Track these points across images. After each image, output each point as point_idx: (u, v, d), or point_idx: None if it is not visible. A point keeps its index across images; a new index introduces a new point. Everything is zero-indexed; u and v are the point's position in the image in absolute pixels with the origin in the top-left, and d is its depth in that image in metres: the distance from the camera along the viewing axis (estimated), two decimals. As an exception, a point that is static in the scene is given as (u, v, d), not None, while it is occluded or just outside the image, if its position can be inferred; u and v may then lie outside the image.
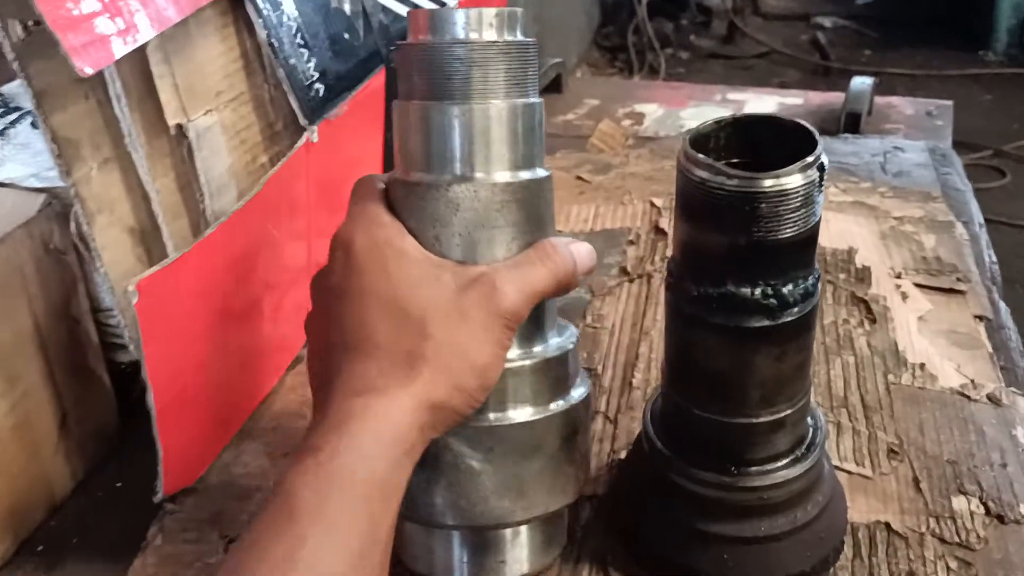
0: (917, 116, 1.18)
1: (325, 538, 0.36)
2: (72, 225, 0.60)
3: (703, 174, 0.41)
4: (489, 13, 0.41)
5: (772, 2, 3.61)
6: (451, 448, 0.43)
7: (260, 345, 0.63)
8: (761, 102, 1.27)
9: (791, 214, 0.40)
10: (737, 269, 0.42)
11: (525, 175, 0.43)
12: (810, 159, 0.40)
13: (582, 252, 0.44)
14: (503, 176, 0.43)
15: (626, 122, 1.19)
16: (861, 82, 1.14)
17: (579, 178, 0.96)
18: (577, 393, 0.47)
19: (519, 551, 0.48)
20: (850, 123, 1.06)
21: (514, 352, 0.44)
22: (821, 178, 0.41)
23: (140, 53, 0.53)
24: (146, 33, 0.50)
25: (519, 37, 0.43)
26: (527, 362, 0.44)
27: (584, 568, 0.51)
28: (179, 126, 0.56)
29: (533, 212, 0.44)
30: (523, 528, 0.47)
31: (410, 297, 0.40)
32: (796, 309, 0.43)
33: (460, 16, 0.42)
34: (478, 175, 0.42)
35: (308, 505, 0.36)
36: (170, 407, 0.53)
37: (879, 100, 1.20)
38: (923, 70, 3.00)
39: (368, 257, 0.41)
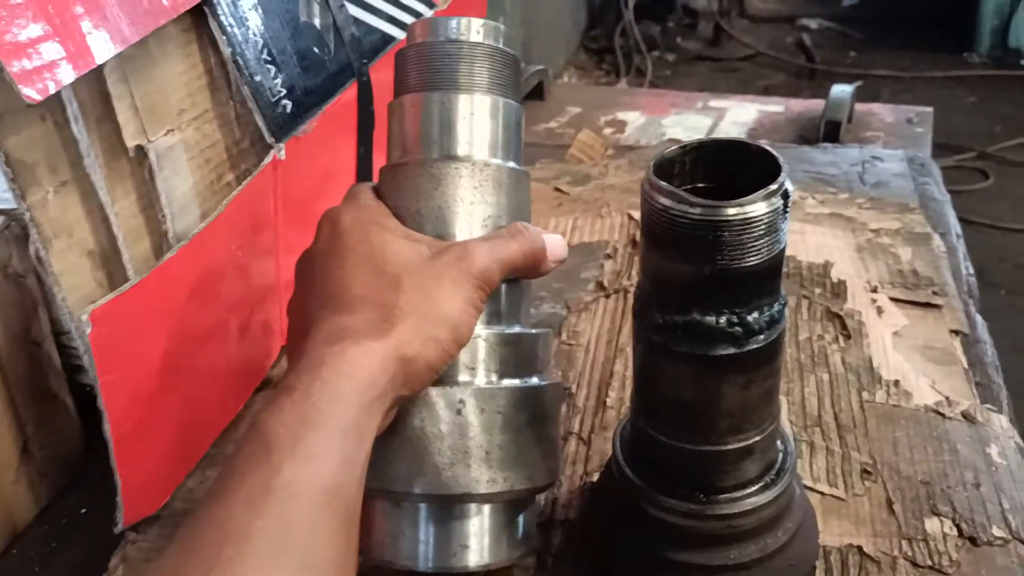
0: (897, 123, 1.18)
1: (300, 468, 0.37)
2: (31, 248, 0.59)
3: (667, 202, 0.40)
4: (477, 22, 0.48)
5: (758, 4, 3.61)
6: (417, 411, 0.44)
7: (225, 368, 0.62)
8: (743, 109, 1.26)
9: (755, 242, 0.39)
10: (702, 297, 0.41)
11: (504, 161, 0.48)
12: (774, 187, 0.39)
13: (554, 239, 0.47)
14: (482, 157, 0.47)
15: (608, 130, 1.18)
16: (841, 90, 1.14)
17: (558, 190, 0.95)
18: (546, 380, 0.48)
19: (483, 538, 0.47)
20: (829, 132, 1.05)
21: (489, 328, 0.46)
22: (786, 205, 0.40)
23: (97, 73, 0.51)
24: (101, 55, 0.48)
25: (503, 45, 0.49)
26: (500, 331, 0.46)
27: (555, 596, 0.50)
28: (139, 147, 0.55)
29: (510, 197, 0.47)
30: (487, 512, 0.46)
31: (387, 257, 0.43)
32: (762, 336, 0.42)
33: (453, 21, 0.48)
34: (460, 154, 0.47)
35: (282, 439, 0.37)
36: (129, 436, 0.52)
37: (860, 107, 1.20)
38: (908, 72, 3.01)
39: (352, 227, 0.44)
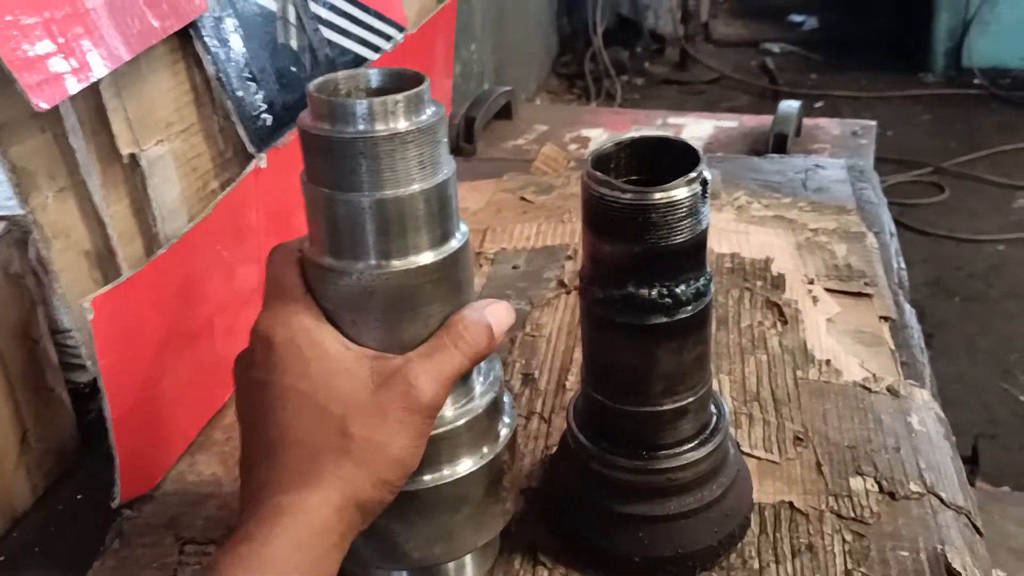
0: (843, 136, 1.25)
1: None
2: (31, 250, 0.64)
3: (602, 190, 0.46)
4: (392, 101, 0.40)
5: (722, 29, 3.73)
6: (382, 513, 0.44)
7: (213, 362, 0.67)
8: (699, 125, 1.33)
9: (679, 223, 0.45)
10: (636, 273, 0.47)
11: (442, 252, 0.43)
12: (693, 174, 0.45)
13: (499, 315, 0.45)
14: (418, 259, 0.42)
15: (572, 146, 1.24)
16: (788, 105, 1.21)
17: (523, 199, 1.01)
18: (503, 434, 0.48)
19: (462, 570, 0.52)
20: (777, 144, 1.13)
21: (447, 412, 0.45)
22: (704, 190, 0.46)
23: (94, 88, 0.57)
24: (99, 71, 0.54)
25: (427, 115, 0.41)
26: (461, 421, 0.46)
27: (516, 558, 0.55)
28: (132, 155, 0.60)
29: (451, 284, 0.44)
30: (465, 559, 0.51)
31: (329, 394, 0.41)
32: (690, 307, 0.48)
33: (361, 108, 0.40)
34: (393, 262, 0.42)
35: None
36: (126, 417, 0.56)
37: (808, 122, 1.27)
38: (867, 92, 3.13)
39: (286, 353, 0.42)
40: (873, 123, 1.31)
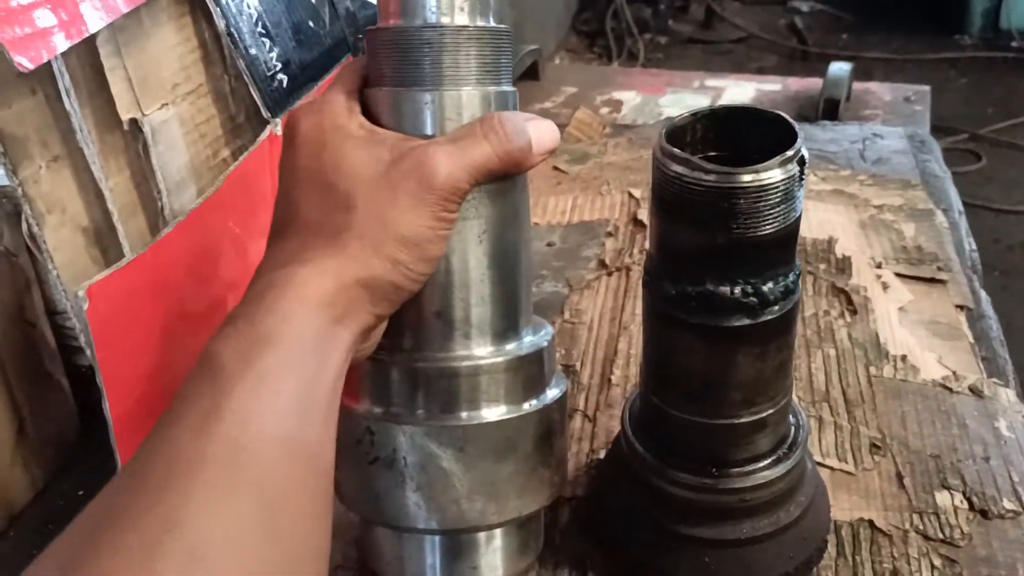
0: (895, 102, 1.17)
1: (252, 390, 0.33)
2: (23, 226, 0.58)
3: (679, 169, 0.39)
4: None
5: (749, -14, 3.59)
6: (421, 447, 0.42)
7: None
8: (740, 88, 1.25)
9: (771, 210, 0.39)
10: (716, 267, 0.40)
11: None
12: (790, 153, 0.39)
13: (541, 129, 0.41)
14: None
15: (604, 110, 1.17)
16: (839, 68, 1.13)
17: (556, 168, 0.94)
18: (552, 394, 0.45)
19: (492, 556, 0.46)
20: (828, 110, 1.05)
21: (486, 349, 0.43)
22: (802, 172, 0.39)
23: (90, 45, 0.50)
24: (94, 24, 0.47)
25: (492, 23, 0.42)
26: (499, 359, 0.43)
27: (564, 571, 0.49)
28: (133, 120, 0.54)
29: (508, 195, 0.43)
30: (497, 532, 0.46)
31: (339, 171, 0.38)
32: (777, 307, 0.41)
33: (431, 0, 0.40)
34: None
35: (231, 365, 0.34)
36: (128, 414, 0.51)
37: (857, 86, 1.19)
38: (900, 54, 3.01)
39: (307, 138, 0.40)
40: (927, 88, 1.23)
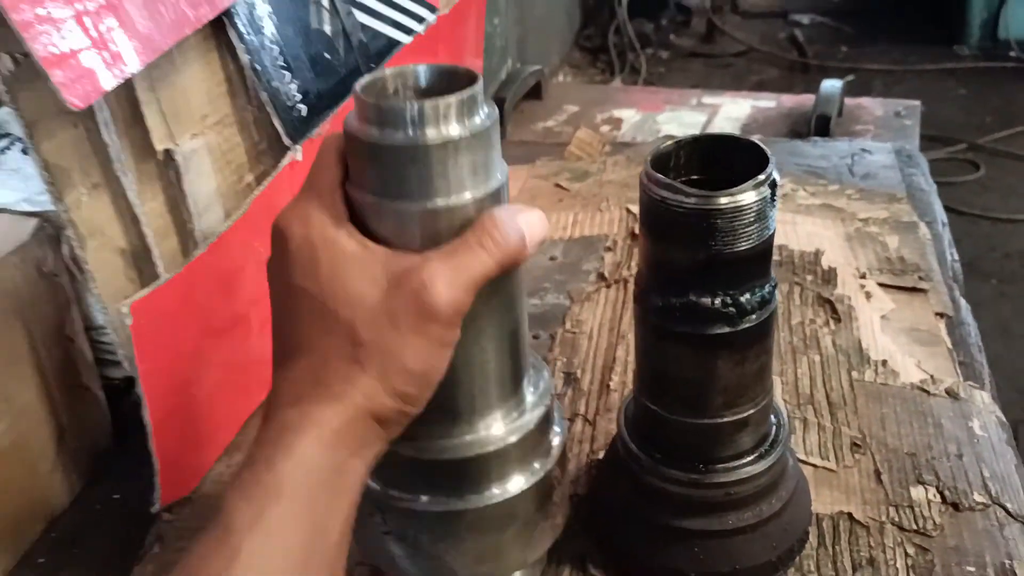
0: (886, 117, 1.21)
1: (262, 546, 0.34)
2: (64, 248, 0.62)
3: (664, 193, 0.44)
4: (446, 104, 0.37)
5: (750, 0, 3.64)
6: (431, 529, 0.44)
7: (248, 360, 0.66)
8: (736, 105, 1.29)
9: (746, 228, 0.43)
10: (698, 280, 0.44)
11: None
12: (762, 177, 0.43)
13: (532, 222, 0.40)
14: None
15: (605, 127, 1.21)
16: (831, 85, 1.17)
17: (558, 186, 0.98)
18: (554, 448, 0.46)
19: None
20: (820, 126, 1.09)
21: (491, 431, 0.43)
22: (773, 194, 0.43)
23: (127, 81, 0.55)
24: (133, 64, 0.52)
25: (481, 119, 0.39)
26: (508, 440, 0.44)
27: (565, 569, 0.53)
28: (166, 150, 0.58)
29: (504, 294, 0.42)
30: None
31: (339, 296, 0.38)
32: (754, 316, 0.45)
33: (411, 111, 0.37)
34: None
35: (244, 517, 0.35)
36: (165, 421, 0.55)
37: (849, 101, 1.23)
38: (899, 65, 3.04)
39: (299, 250, 0.39)
40: (917, 103, 1.27)
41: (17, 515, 0.60)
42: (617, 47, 3.10)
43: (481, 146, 0.39)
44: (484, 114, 0.39)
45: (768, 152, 0.44)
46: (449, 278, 0.38)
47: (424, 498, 0.44)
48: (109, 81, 0.49)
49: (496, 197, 0.41)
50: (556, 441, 0.47)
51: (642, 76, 2.99)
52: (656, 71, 3.11)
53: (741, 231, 0.43)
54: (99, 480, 0.67)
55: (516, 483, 0.45)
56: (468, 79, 0.40)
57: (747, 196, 0.43)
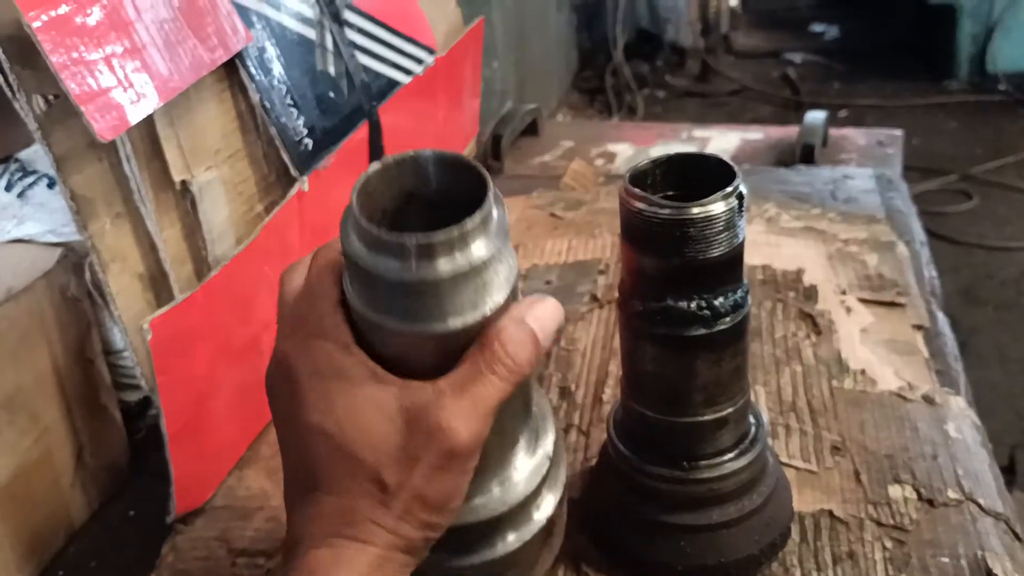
0: (869, 146, 1.26)
1: None
2: (87, 274, 0.66)
3: (640, 205, 0.48)
4: (448, 237, 0.35)
5: (743, 40, 3.74)
6: None
7: (259, 379, 0.69)
8: (725, 138, 1.34)
9: (716, 236, 0.47)
10: (674, 286, 0.48)
11: None
12: (729, 189, 0.47)
13: (544, 320, 0.39)
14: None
15: (599, 161, 1.26)
16: (814, 116, 1.22)
17: (553, 215, 1.03)
18: (556, 493, 0.45)
19: None
20: (805, 154, 1.13)
21: (503, 506, 0.42)
22: (740, 205, 0.47)
23: (147, 118, 0.59)
24: (153, 101, 0.57)
25: (490, 238, 0.36)
26: (516, 502, 0.43)
27: (560, 569, 0.56)
28: (183, 182, 0.63)
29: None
30: None
31: (359, 437, 0.37)
32: (728, 319, 0.49)
33: (408, 246, 0.35)
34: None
35: None
36: (181, 434, 0.59)
37: (834, 132, 1.28)
38: (891, 100, 3.11)
39: (310, 386, 0.38)
40: (899, 132, 1.32)
41: (40, 529, 0.63)
42: (614, 88, 3.18)
43: (492, 266, 0.36)
44: (495, 229, 0.36)
45: (735, 167, 0.48)
46: (467, 413, 0.37)
47: (437, 554, 0.42)
48: (135, 115, 0.54)
49: (494, 316, 0.38)
50: (558, 487, 0.45)
51: (639, 115, 3.06)
52: (653, 111, 3.19)
53: (712, 239, 0.47)
54: (116, 498, 0.70)
55: (519, 535, 0.44)
56: (478, 181, 0.37)
57: (716, 207, 0.47)
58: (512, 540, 0.44)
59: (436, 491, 0.38)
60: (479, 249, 0.36)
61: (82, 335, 0.67)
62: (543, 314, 0.39)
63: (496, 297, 0.37)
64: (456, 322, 0.37)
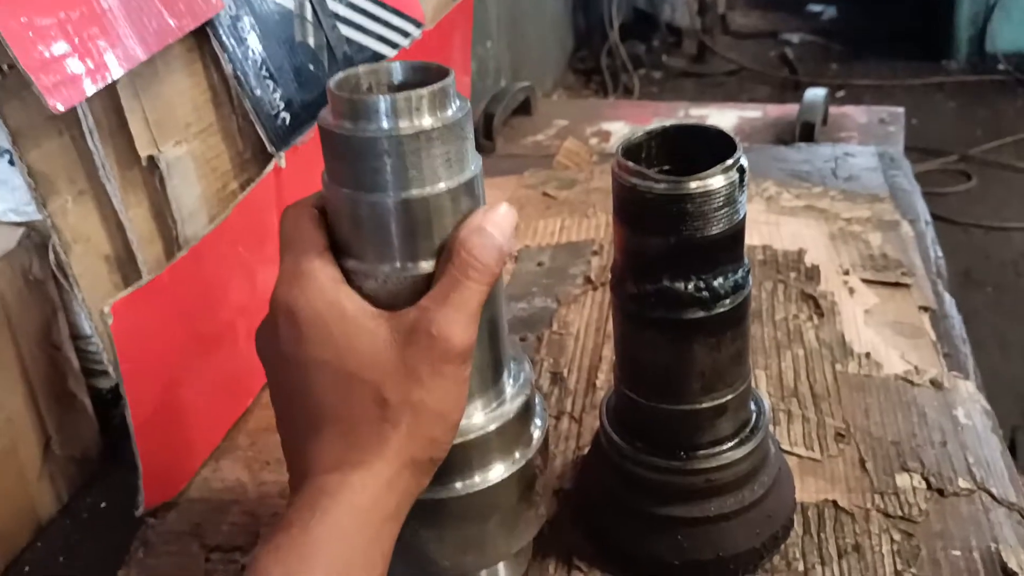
0: (870, 124, 1.22)
1: None
2: (51, 256, 0.63)
3: (634, 180, 0.44)
4: (417, 96, 0.38)
5: (740, 20, 3.69)
6: (409, 522, 0.43)
7: (235, 366, 0.66)
8: (722, 116, 1.30)
9: (716, 212, 0.44)
10: (671, 266, 0.45)
11: None
12: (730, 161, 0.43)
13: (501, 223, 0.41)
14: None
15: (593, 140, 1.22)
16: (814, 94, 1.19)
17: (546, 194, 0.99)
18: (535, 438, 0.47)
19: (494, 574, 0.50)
20: (804, 132, 1.10)
21: (477, 418, 0.44)
22: (742, 179, 0.44)
23: (111, 89, 0.56)
24: (116, 71, 0.53)
25: (453, 110, 0.40)
26: (491, 427, 0.44)
27: (551, 563, 0.53)
28: (150, 157, 0.59)
29: None
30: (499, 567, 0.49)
31: (357, 360, 0.39)
32: (728, 300, 0.46)
33: (384, 104, 0.38)
34: (421, 264, 0.41)
35: None
36: (149, 423, 0.55)
37: (834, 110, 1.25)
38: (889, 81, 3.08)
39: (309, 322, 0.39)
40: (901, 110, 1.28)
41: (4, 524, 0.60)
42: (610, 68, 3.13)
43: (454, 137, 0.40)
44: (456, 106, 0.40)
45: (736, 139, 0.45)
46: (453, 318, 0.39)
47: None
48: (91, 87, 0.50)
49: (470, 188, 0.41)
50: (537, 431, 0.47)
51: (635, 96, 3.02)
52: (649, 91, 3.14)
53: (711, 215, 0.44)
54: (87, 490, 0.67)
55: (497, 471, 0.45)
56: (440, 74, 0.40)
57: (716, 180, 0.43)
58: (491, 475, 0.44)
59: (437, 400, 0.39)
60: (445, 113, 0.39)
61: (47, 319, 0.64)
62: (498, 219, 0.41)
63: (456, 175, 0.40)
64: (417, 191, 0.39)
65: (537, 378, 0.69)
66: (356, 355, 0.39)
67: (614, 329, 0.50)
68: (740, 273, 0.46)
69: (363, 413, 0.39)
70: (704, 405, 0.48)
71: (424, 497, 0.43)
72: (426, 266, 0.41)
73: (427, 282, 0.41)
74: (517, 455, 0.46)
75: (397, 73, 0.43)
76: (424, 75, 0.41)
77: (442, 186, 0.40)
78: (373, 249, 0.41)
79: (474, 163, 0.42)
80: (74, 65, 0.49)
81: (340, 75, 0.42)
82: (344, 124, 0.39)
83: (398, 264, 0.41)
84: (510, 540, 0.47)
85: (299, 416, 0.41)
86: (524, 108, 1.34)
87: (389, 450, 0.39)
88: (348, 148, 0.39)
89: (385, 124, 0.38)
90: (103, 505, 0.65)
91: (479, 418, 0.44)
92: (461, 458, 0.43)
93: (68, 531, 0.63)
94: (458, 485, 0.44)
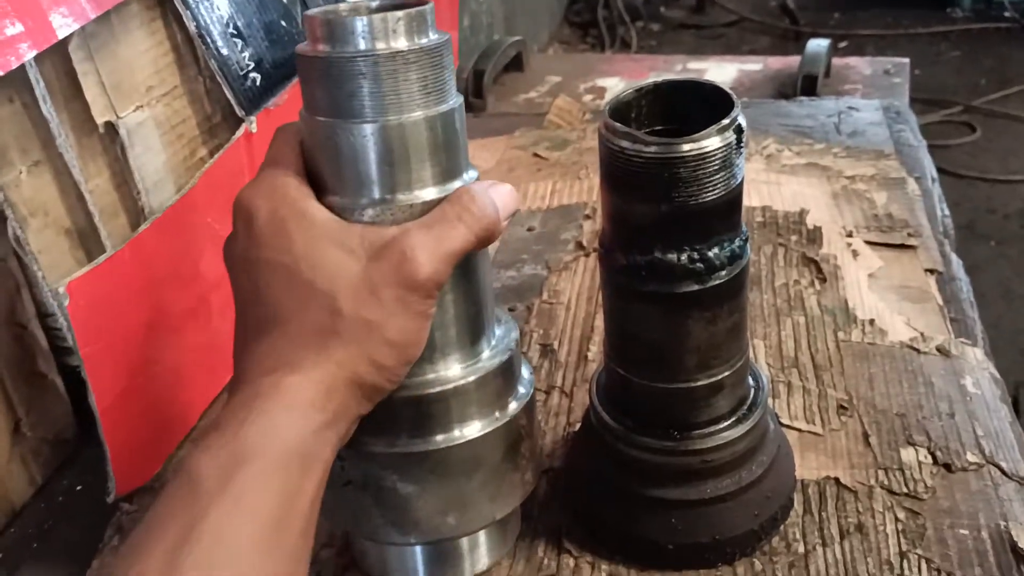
0: (875, 75, 1.18)
1: (230, 511, 0.33)
2: (10, 230, 0.59)
3: (623, 143, 0.41)
4: (394, 17, 0.38)
5: (740, -31, 3.58)
6: (389, 474, 0.43)
7: (211, 342, 0.63)
8: (721, 70, 1.26)
9: (711, 177, 0.40)
10: (662, 236, 0.42)
11: (447, 190, 0.40)
12: (726, 121, 0.40)
13: (504, 196, 0.41)
14: (426, 194, 0.40)
15: (587, 97, 1.18)
16: (817, 44, 1.14)
17: (536, 155, 0.96)
18: (519, 395, 0.45)
19: (474, 554, 0.48)
20: (806, 86, 1.06)
21: (452, 370, 0.42)
22: (739, 140, 0.41)
23: (62, 52, 0.52)
24: (62, 31, 0.49)
25: (431, 38, 0.39)
26: (469, 379, 0.43)
27: (539, 544, 0.51)
28: (108, 124, 0.56)
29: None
30: (479, 535, 0.47)
31: (317, 268, 0.37)
32: (724, 272, 0.43)
33: (360, 24, 0.38)
34: (399, 196, 0.40)
35: (210, 481, 0.34)
36: (115, 406, 0.53)
37: (837, 61, 1.20)
38: (892, 29, 3.00)
39: (269, 225, 0.38)
40: (906, 60, 1.24)
41: (-27, 510, 0.58)
42: (607, 21, 3.05)
43: (431, 64, 0.39)
44: (434, 35, 0.40)
45: (733, 96, 0.41)
46: (430, 249, 0.38)
47: (384, 439, 0.42)
48: (28, 51, 0.46)
49: (448, 120, 0.40)
50: (521, 390, 0.46)
51: (633, 49, 2.95)
52: (647, 44, 3.07)
53: (706, 180, 0.40)
54: (62, 472, 0.64)
55: (478, 427, 0.43)
56: (418, 4, 0.40)
57: (711, 142, 0.40)
58: (471, 430, 0.43)
59: (394, 328, 0.37)
60: (422, 39, 0.39)
61: (11, 297, 0.61)
62: (503, 191, 0.41)
63: (434, 104, 0.39)
64: (394, 118, 0.39)
65: (526, 350, 0.66)
66: (317, 262, 0.38)
67: (603, 302, 0.47)
68: (737, 242, 0.43)
69: (313, 320, 0.37)
70: (699, 383, 0.45)
71: (405, 449, 0.42)
72: (403, 199, 0.40)
73: (404, 216, 0.40)
74: (498, 414, 0.44)
75: (377, 3, 0.42)
76: (403, 6, 0.40)
77: (419, 114, 0.39)
78: (351, 181, 0.40)
79: (453, 98, 0.41)
80: (10, 27, 0.45)
81: (319, 9, 0.41)
82: (320, 47, 0.39)
83: (376, 195, 0.40)
84: (494, 503, 0.45)
85: (251, 320, 0.40)
86: (516, 64, 1.29)
87: (330, 360, 0.37)
88: (325, 72, 0.39)
89: (362, 44, 0.38)
90: (79, 488, 0.63)
91: (457, 370, 0.43)
92: (441, 409, 0.42)
93: (42, 515, 0.61)
94: (439, 438, 0.43)
